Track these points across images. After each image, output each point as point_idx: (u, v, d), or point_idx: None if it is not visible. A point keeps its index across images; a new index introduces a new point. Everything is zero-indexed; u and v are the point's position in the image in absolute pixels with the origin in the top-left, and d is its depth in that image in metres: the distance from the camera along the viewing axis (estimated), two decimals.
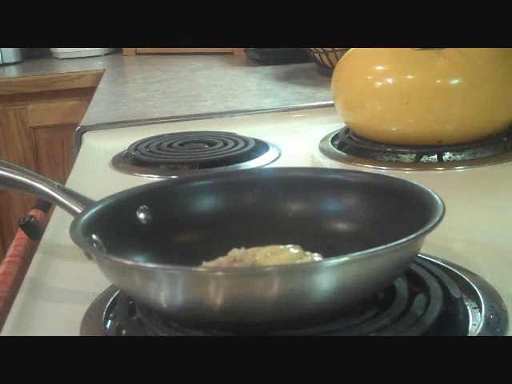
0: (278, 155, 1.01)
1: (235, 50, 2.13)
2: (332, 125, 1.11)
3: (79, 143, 1.22)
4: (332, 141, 1.05)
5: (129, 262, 0.49)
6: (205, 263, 0.54)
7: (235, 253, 0.54)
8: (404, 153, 0.95)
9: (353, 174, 0.64)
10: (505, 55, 0.92)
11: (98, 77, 1.92)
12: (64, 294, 0.62)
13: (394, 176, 0.60)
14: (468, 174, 0.88)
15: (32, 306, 0.60)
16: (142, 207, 0.59)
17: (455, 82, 0.90)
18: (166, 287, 0.46)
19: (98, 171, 1.03)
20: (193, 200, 0.62)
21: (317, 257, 0.54)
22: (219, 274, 0.46)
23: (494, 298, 0.53)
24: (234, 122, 1.25)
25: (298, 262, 0.52)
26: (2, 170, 0.62)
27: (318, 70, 1.66)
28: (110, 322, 0.54)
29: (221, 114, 1.28)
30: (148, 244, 0.58)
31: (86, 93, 1.88)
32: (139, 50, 2.26)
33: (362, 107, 0.97)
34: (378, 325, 0.47)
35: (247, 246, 0.55)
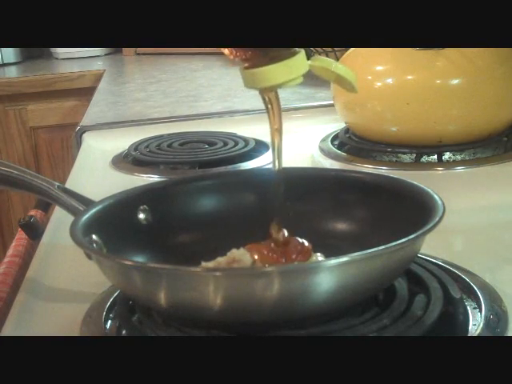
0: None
1: None
2: (332, 125, 1.11)
3: (79, 143, 1.22)
4: (332, 141, 1.05)
5: (129, 262, 0.49)
6: (203, 263, 0.54)
7: (234, 253, 0.54)
8: (404, 153, 0.95)
9: (352, 174, 0.64)
10: (505, 55, 0.92)
11: (98, 77, 1.92)
12: (64, 294, 0.62)
13: (394, 176, 0.60)
14: (468, 174, 0.88)
15: (32, 306, 0.60)
16: (141, 207, 0.59)
17: (455, 82, 0.90)
18: (165, 287, 0.46)
19: (98, 171, 1.03)
20: (193, 200, 0.62)
21: (320, 256, 0.54)
22: (219, 274, 0.46)
23: (493, 298, 0.53)
24: (234, 121, 1.25)
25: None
26: (2, 170, 0.62)
27: None
28: (109, 322, 0.54)
29: (220, 114, 1.28)
30: (148, 244, 0.58)
31: (85, 93, 1.87)
32: (139, 50, 2.26)
33: (362, 107, 0.97)
34: (378, 325, 0.47)
35: None
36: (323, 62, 0.54)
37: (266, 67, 0.51)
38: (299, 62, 0.52)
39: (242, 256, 0.53)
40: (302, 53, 0.52)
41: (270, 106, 0.53)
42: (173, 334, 0.48)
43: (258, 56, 0.52)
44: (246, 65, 0.52)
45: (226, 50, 0.52)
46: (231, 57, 0.52)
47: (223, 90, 1.53)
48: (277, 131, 0.55)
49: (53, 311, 0.58)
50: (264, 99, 0.54)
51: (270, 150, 0.57)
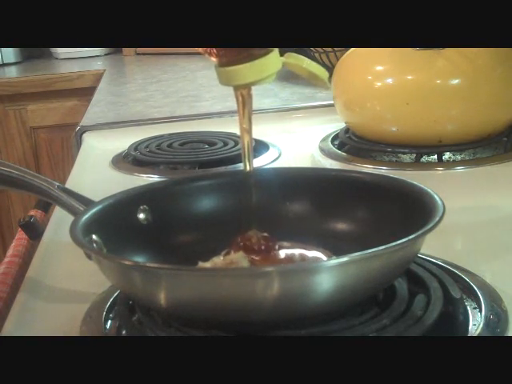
0: (278, 155, 1.01)
1: None
2: (332, 125, 1.11)
3: (79, 143, 1.22)
4: (332, 141, 1.05)
5: (129, 262, 0.49)
6: (201, 263, 0.54)
7: (232, 254, 0.54)
8: (404, 153, 0.95)
9: (352, 174, 0.64)
10: (505, 55, 0.92)
11: (98, 77, 1.91)
12: (64, 293, 0.62)
13: (394, 176, 0.60)
14: (468, 173, 0.88)
15: (32, 306, 0.60)
16: (142, 207, 0.60)
17: (455, 82, 0.90)
18: (165, 287, 0.46)
19: (98, 171, 1.03)
20: (192, 200, 0.62)
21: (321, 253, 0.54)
22: (218, 274, 0.46)
23: (493, 298, 0.53)
24: (234, 122, 1.24)
25: None
26: (2, 170, 0.62)
27: None
28: (109, 322, 0.54)
29: (220, 114, 1.28)
30: (148, 244, 0.58)
31: (85, 93, 1.87)
32: (139, 50, 2.26)
33: (361, 107, 0.97)
34: (378, 325, 0.47)
35: None
36: (296, 59, 0.55)
37: (240, 65, 0.52)
38: (273, 60, 0.53)
39: (240, 257, 0.53)
40: (275, 51, 0.53)
41: (242, 104, 0.54)
42: (173, 334, 0.48)
43: (233, 54, 0.52)
44: (221, 62, 0.53)
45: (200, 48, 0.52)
46: (206, 54, 0.52)
47: (223, 90, 1.52)
48: (246, 131, 0.55)
49: (53, 311, 0.58)
50: (237, 98, 0.54)
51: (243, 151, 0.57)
